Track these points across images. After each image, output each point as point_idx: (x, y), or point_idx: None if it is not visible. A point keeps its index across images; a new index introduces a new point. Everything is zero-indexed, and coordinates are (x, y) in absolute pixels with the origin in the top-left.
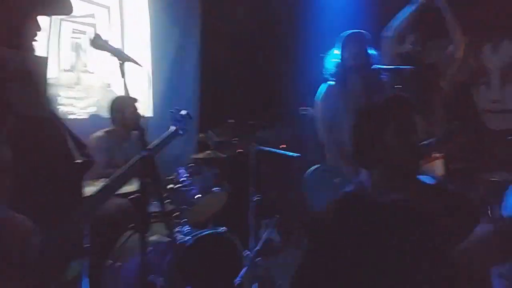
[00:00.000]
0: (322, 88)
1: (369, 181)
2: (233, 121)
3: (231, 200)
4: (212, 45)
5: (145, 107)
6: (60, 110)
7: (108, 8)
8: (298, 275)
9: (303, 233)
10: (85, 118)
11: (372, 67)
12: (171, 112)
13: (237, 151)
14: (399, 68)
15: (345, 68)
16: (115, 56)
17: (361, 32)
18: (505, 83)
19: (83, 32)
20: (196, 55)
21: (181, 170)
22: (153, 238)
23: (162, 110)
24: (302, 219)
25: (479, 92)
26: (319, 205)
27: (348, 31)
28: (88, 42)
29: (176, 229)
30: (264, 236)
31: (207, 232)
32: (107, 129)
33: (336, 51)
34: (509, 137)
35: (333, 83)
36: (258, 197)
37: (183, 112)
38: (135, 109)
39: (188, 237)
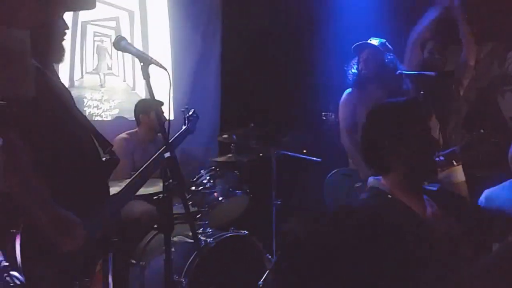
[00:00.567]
0: (344, 94)
1: (384, 186)
2: (253, 125)
3: (253, 204)
4: (233, 49)
5: (166, 110)
6: (85, 112)
7: (131, 12)
8: None
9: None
10: (110, 120)
11: (394, 73)
12: (182, 110)
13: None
14: (422, 73)
15: (361, 77)
16: (137, 58)
17: (373, 42)
18: None
19: (107, 36)
20: (217, 59)
21: (204, 172)
22: (176, 239)
23: (183, 114)
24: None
25: (504, 99)
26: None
27: (361, 42)
28: (111, 44)
29: (199, 231)
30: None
31: (229, 235)
32: (131, 131)
33: (355, 60)
34: None
35: (354, 88)
36: (279, 201)
37: (192, 110)
38: (161, 112)
39: (210, 239)
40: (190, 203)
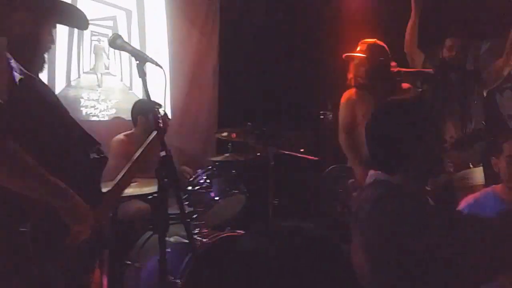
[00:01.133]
0: (345, 93)
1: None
2: (250, 124)
3: (250, 203)
4: (232, 48)
5: (164, 110)
6: (82, 112)
7: (129, 11)
8: None
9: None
10: (106, 120)
11: (392, 71)
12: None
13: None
14: (421, 71)
15: (365, 76)
16: (133, 56)
17: (365, 42)
18: None
19: (105, 35)
20: (215, 57)
21: (200, 172)
22: (172, 239)
23: (180, 113)
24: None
25: (503, 97)
26: (333, 203)
27: (367, 40)
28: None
29: (194, 231)
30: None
31: (225, 235)
32: (128, 132)
33: (357, 58)
34: None
35: (354, 89)
36: (276, 200)
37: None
38: (159, 113)
39: (206, 239)
40: (186, 203)
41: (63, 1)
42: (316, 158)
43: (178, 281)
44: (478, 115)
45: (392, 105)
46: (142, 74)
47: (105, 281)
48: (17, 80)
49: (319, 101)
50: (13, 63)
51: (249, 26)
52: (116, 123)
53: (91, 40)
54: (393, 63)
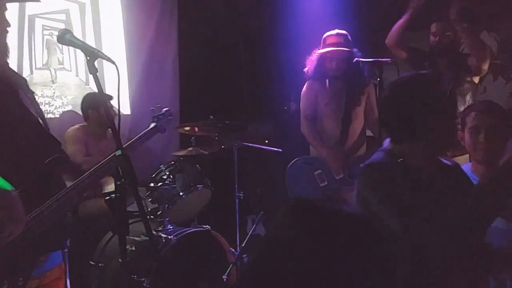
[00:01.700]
0: (306, 84)
1: (401, 153)
2: (213, 117)
3: (215, 197)
4: (191, 39)
5: (122, 105)
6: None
7: (82, 3)
8: None
9: None
10: (59, 115)
11: (358, 68)
12: (152, 109)
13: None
14: (378, 60)
15: (325, 69)
16: (83, 52)
17: (340, 33)
18: None
19: (57, 29)
20: (174, 50)
21: (163, 168)
22: (137, 238)
23: (139, 108)
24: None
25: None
26: (300, 197)
27: (327, 33)
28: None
29: (159, 228)
30: (250, 232)
31: (191, 231)
32: (83, 124)
33: (317, 51)
34: None
35: (314, 80)
36: (242, 193)
37: (164, 109)
38: (110, 107)
39: (171, 236)
40: (150, 199)
41: None
42: (280, 150)
43: (144, 279)
44: (463, 100)
45: (409, 78)
46: (93, 70)
47: (67, 282)
48: None
49: (282, 92)
50: None
51: (209, 17)
52: (69, 118)
53: (43, 35)
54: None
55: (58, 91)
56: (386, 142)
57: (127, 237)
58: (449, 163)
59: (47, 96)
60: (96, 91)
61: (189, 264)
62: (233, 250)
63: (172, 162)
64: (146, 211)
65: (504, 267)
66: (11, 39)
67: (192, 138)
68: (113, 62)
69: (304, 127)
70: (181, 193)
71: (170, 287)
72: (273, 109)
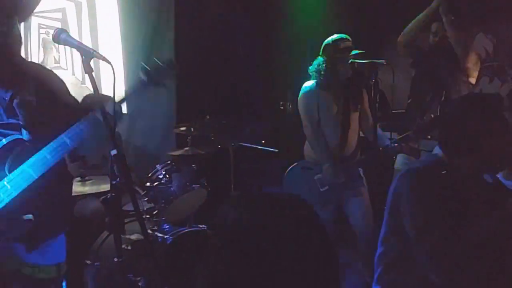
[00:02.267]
0: (305, 86)
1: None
2: (209, 117)
3: (211, 197)
4: (188, 39)
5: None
6: None
7: (78, 2)
8: None
9: None
10: None
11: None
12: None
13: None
14: (374, 61)
15: (329, 75)
16: (79, 51)
17: (348, 38)
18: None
19: (53, 28)
20: (171, 49)
21: (159, 167)
22: (132, 237)
23: (135, 107)
24: None
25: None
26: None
27: (337, 38)
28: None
29: (155, 228)
30: None
31: (187, 230)
32: None
33: (321, 57)
34: None
35: (315, 83)
36: (237, 193)
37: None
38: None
39: (167, 236)
40: (145, 199)
41: None
42: (276, 150)
43: (140, 279)
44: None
45: (475, 95)
46: (89, 70)
47: (63, 282)
48: None
49: (278, 92)
50: None
51: (206, 18)
52: None
53: (39, 33)
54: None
55: None
56: (437, 148)
57: (122, 236)
58: (490, 180)
59: None
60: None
61: (184, 263)
62: None
63: (168, 162)
64: (141, 210)
65: None
66: None
67: (189, 138)
68: (109, 62)
69: (309, 131)
70: (177, 193)
71: (165, 287)
72: (269, 109)
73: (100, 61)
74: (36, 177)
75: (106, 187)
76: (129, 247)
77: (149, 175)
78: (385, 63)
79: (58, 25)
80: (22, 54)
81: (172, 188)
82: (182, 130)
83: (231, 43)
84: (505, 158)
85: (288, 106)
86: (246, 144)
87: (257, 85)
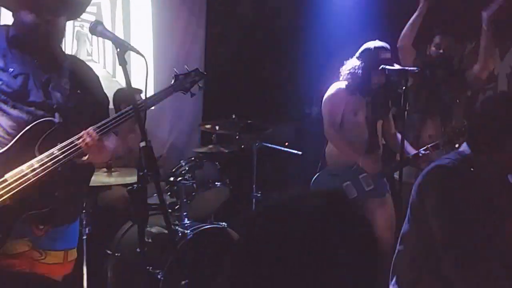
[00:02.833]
0: (333, 87)
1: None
2: (235, 116)
3: (232, 196)
4: (218, 37)
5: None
6: None
7: None
8: None
9: None
10: None
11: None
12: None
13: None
14: (405, 69)
15: (363, 80)
16: (114, 43)
17: (388, 47)
18: None
19: (88, 21)
20: (201, 46)
21: (183, 163)
22: (153, 230)
23: (163, 103)
24: None
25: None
26: None
27: (376, 45)
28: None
29: (176, 222)
30: None
31: (207, 227)
32: None
33: (356, 59)
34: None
35: (343, 86)
36: (259, 193)
37: (190, 70)
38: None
39: (188, 231)
40: (168, 193)
41: None
42: (300, 153)
43: (159, 271)
44: (459, 114)
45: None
46: (123, 62)
47: (84, 270)
48: None
49: (304, 95)
50: None
51: (237, 17)
52: None
53: (74, 26)
54: None
55: None
56: (464, 146)
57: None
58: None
59: None
60: (123, 84)
61: (203, 259)
62: None
63: (192, 158)
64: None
65: None
66: None
67: (213, 135)
68: (142, 55)
69: (331, 135)
70: (199, 189)
71: (183, 281)
72: (294, 112)
73: (131, 55)
74: None
75: (131, 179)
76: (150, 240)
77: (173, 170)
78: (416, 70)
79: (93, 19)
80: None
81: (194, 185)
82: (207, 128)
83: (260, 45)
84: None
85: (313, 110)
86: (269, 145)
87: (283, 87)
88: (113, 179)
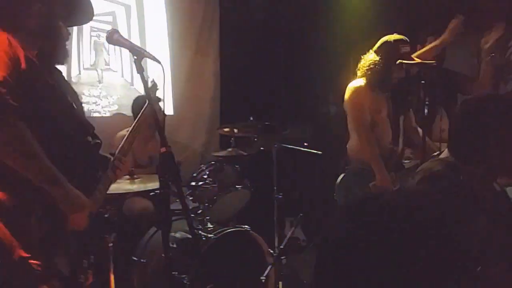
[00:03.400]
0: (353, 85)
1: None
2: (252, 118)
3: (254, 198)
4: (232, 41)
5: (166, 105)
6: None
7: (128, 6)
8: None
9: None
10: (109, 117)
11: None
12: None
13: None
14: (424, 63)
15: (383, 75)
16: (130, 51)
17: (406, 42)
18: None
19: (104, 31)
20: (216, 52)
21: (204, 167)
22: (177, 235)
23: (182, 109)
24: None
25: (507, 87)
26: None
27: (395, 38)
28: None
29: (199, 227)
30: (288, 234)
31: (230, 230)
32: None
33: (374, 54)
34: None
35: (363, 83)
36: (280, 195)
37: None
38: (160, 108)
39: (211, 235)
40: (190, 198)
41: None
42: (320, 152)
43: (184, 276)
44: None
45: (490, 98)
46: (140, 70)
47: (111, 278)
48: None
49: (322, 94)
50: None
51: (251, 19)
52: (118, 119)
53: (91, 36)
54: None
55: (104, 91)
56: (448, 153)
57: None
58: (498, 188)
59: (94, 96)
60: (141, 92)
61: (228, 263)
62: (271, 251)
63: (213, 162)
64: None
65: None
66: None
67: (232, 139)
68: (159, 62)
69: (362, 134)
70: (221, 193)
71: (208, 285)
72: (312, 111)
73: (148, 63)
74: None
75: (153, 185)
76: (174, 245)
77: (194, 174)
78: (434, 64)
79: (109, 28)
80: (75, 56)
81: (216, 188)
82: (226, 131)
83: (275, 46)
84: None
85: (332, 109)
86: (289, 146)
87: (301, 86)
88: (136, 186)
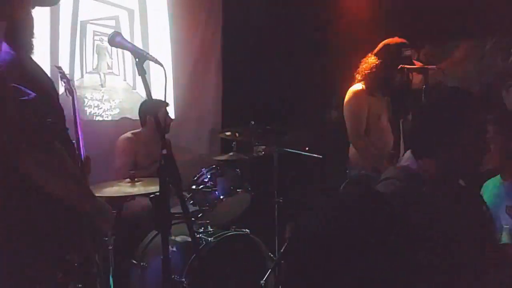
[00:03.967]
0: (353, 90)
1: (422, 169)
2: (254, 122)
3: (255, 202)
4: (234, 46)
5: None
6: (86, 112)
7: (131, 10)
8: None
9: None
10: (113, 121)
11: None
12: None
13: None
14: (424, 67)
15: (384, 80)
16: (132, 53)
17: (409, 46)
18: None
19: (107, 35)
20: (218, 56)
21: (205, 171)
22: (177, 238)
23: (183, 112)
24: None
25: (509, 93)
26: None
27: (397, 42)
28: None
29: (200, 230)
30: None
31: (230, 234)
32: (135, 131)
33: (375, 58)
34: None
35: (363, 88)
36: (281, 199)
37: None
38: (166, 112)
39: (211, 238)
40: (191, 202)
41: None
42: (321, 157)
43: (184, 280)
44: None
45: (449, 90)
46: (142, 72)
47: (111, 280)
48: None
49: (323, 98)
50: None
51: (253, 24)
52: (122, 123)
53: (94, 40)
54: None
55: (106, 95)
56: (408, 158)
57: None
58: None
59: (96, 99)
60: (143, 96)
61: (228, 267)
62: (271, 255)
63: (214, 166)
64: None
65: None
66: (64, 44)
67: (233, 143)
68: (161, 64)
69: (357, 143)
70: (221, 197)
71: None
72: (313, 116)
73: (150, 66)
74: None
75: (154, 188)
76: (174, 248)
77: (195, 178)
78: (436, 68)
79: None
80: (77, 60)
81: (216, 192)
82: (227, 135)
83: (278, 49)
84: (470, 159)
85: (333, 113)
86: (290, 150)
87: (302, 91)
88: (137, 189)
